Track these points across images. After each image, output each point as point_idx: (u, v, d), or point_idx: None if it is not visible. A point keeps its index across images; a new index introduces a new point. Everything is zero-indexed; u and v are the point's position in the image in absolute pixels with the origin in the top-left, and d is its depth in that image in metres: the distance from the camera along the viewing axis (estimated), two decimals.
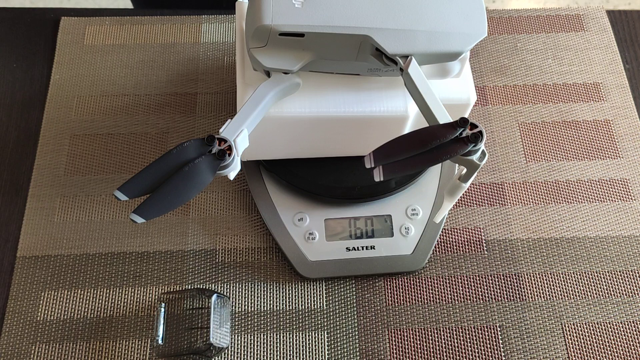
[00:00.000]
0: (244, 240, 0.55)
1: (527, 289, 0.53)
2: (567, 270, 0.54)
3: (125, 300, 0.52)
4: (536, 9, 0.68)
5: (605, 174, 0.59)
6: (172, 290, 0.52)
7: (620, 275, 0.54)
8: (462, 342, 0.51)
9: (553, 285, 0.54)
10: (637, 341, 0.51)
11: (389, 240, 0.54)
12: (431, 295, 0.53)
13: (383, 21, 0.41)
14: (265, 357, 0.50)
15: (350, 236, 0.54)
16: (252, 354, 0.50)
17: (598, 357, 0.51)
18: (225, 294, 0.52)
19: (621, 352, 0.51)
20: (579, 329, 0.52)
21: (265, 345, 0.51)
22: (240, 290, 0.53)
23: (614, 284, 0.54)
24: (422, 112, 0.40)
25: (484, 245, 0.55)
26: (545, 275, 0.54)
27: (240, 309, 0.52)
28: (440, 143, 0.36)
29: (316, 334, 0.51)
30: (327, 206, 0.55)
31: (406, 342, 0.51)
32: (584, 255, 0.55)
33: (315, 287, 0.53)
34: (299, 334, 0.51)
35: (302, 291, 0.53)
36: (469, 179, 0.40)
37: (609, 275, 0.54)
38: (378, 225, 0.54)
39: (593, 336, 0.52)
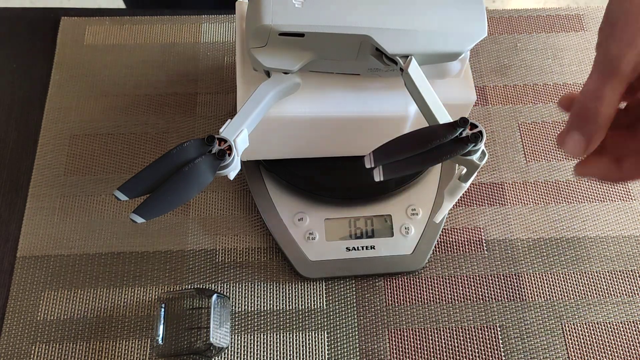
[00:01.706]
0: (244, 240, 0.55)
1: (527, 289, 0.53)
2: (567, 270, 0.54)
3: (125, 300, 0.52)
4: (536, 9, 0.68)
5: None
6: (172, 290, 0.52)
7: (620, 275, 0.54)
8: (462, 342, 0.51)
9: (553, 285, 0.54)
10: (637, 341, 0.51)
11: (389, 240, 0.54)
12: (431, 295, 0.53)
13: (383, 21, 0.41)
14: (265, 357, 0.50)
15: (350, 236, 0.54)
16: (252, 354, 0.50)
17: (598, 357, 0.51)
18: (225, 294, 0.52)
19: (621, 352, 0.51)
20: (579, 329, 0.52)
21: (265, 345, 0.51)
22: (240, 290, 0.53)
23: (614, 284, 0.54)
24: (422, 112, 0.40)
25: (484, 245, 0.55)
26: (545, 275, 0.54)
27: (240, 309, 0.52)
28: (440, 143, 0.36)
29: (316, 334, 0.51)
30: (327, 206, 0.55)
31: (406, 342, 0.51)
32: (584, 255, 0.55)
33: (315, 287, 0.53)
34: (299, 334, 0.51)
35: (302, 291, 0.53)
36: (469, 179, 0.40)
37: (609, 275, 0.54)
38: (378, 225, 0.54)
39: (593, 336, 0.52)
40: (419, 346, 0.51)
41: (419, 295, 0.53)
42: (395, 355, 0.51)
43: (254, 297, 0.53)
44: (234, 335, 0.51)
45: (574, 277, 0.54)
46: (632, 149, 0.38)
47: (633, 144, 0.39)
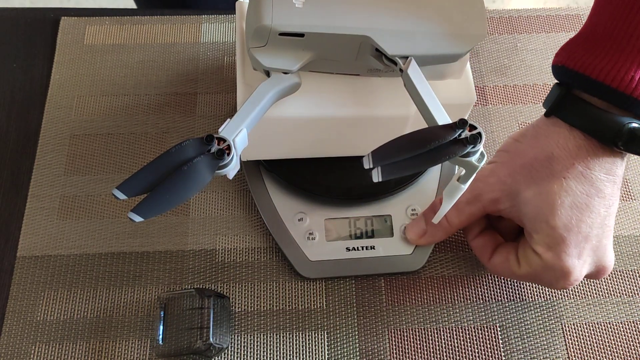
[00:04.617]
0: (244, 240, 0.55)
1: (527, 289, 0.53)
2: None
3: (125, 300, 0.52)
4: (536, 9, 0.68)
5: None
6: (172, 290, 0.52)
7: (620, 275, 0.54)
8: (462, 342, 0.51)
9: None
10: (637, 341, 0.51)
11: (389, 240, 0.54)
12: (431, 295, 0.53)
13: (383, 22, 0.41)
14: (265, 357, 0.50)
15: (350, 236, 0.54)
16: (252, 354, 0.50)
17: (598, 357, 0.51)
18: (225, 294, 0.52)
19: (621, 352, 0.51)
20: (579, 329, 0.52)
21: (265, 345, 0.51)
22: (240, 290, 0.53)
23: (614, 284, 0.54)
24: (421, 113, 0.40)
25: None
26: None
27: (240, 309, 0.52)
28: (439, 144, 0.36)
29: (316, 334, 0.51)
30: (327, 206, 0.55)
31: (406, 342, 0.51)
32: None
33: (315, 287, 0.53)
34: (299, 334, 0.51)
35: (302, 291, 0.53)
36: (468, 180, 0.40)
37: (609, 275, 0.54)
38: (378, 225, 0.54)
39: (593, 336, 0.52)
40: (419, 346, 0.51)
41: (419, 295, 0.53)
42: (395, 355, 0.51)
43: (254, 297, 0.53)
44: (234, 335, 0.51)
45: None
46: (504, 250, 0.49)
47: (506, 247, 0.49)
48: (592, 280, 0.54)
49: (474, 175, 0.39)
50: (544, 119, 0.45)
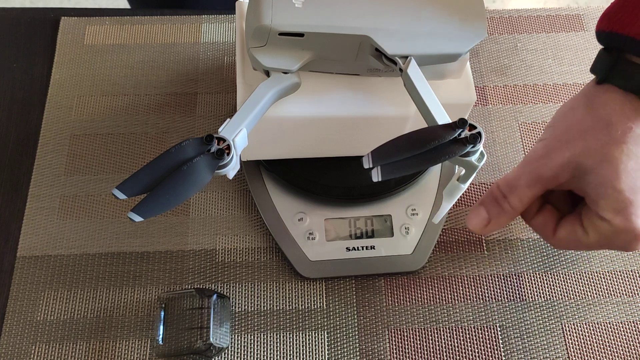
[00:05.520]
0: (244, 240, 0.55)
1: (527, 289, 0.53)
2: (567, 270, 0.54)
3: (125, 300, 0.52)
4: (536, 9, 0.68)
5: None
6: (172, 290, 0.52)
7: (620, 275, 0.54)
8: (462, 342, 0.51)
9: (553, 285, 0.54)
10: (637, 341, 0.51)
11: (389, 240, 0.54)
12: (431, 295, 0.53)
13: (383, 22, 0.41)
14: (265, 357, 0.50)
15: (350, 236, 0.54)
16: (252, 354, 0.50)
17: (598, 357, 0.51)
18: (225, 294, 0.52)
19: (621, 352, 0.51)
20: (579, 329, 0.52)
21: (265, 345, 0.51)
22: (240, 290, 0.53)
23: (614, 284, 0.54)
24: (421, 113, 0.40)
25: (484, 245, 0.55)
26: (545, 275, 0.54)
27: (240, 309, 0.52)
28: (439, 144, 0.36)
29: (316, 334, 0.51)
30: (327, 206, 0.55)
31: (406, 342, 0.51)
32: (584, 255, 0.55)
33: (315, 287, 0.53)
34: (299, 334, 0.51)
35: (302, 291, 0.53)
36: (468, 179, 0.40)
37: (609, 275, 0.54)
38: (378, 225, 0.54)
39: (593, 336, 0.52)
40: (419, 346, 0.51)
41: (419, 295, 0.53)
42: (395, 355, 0.51)
43: (254, 297, 0.53)
44: (234, 335, 0.51)
45: (574, 277, 0.54)
46: (568, 223, 0.46)
47: (569, 220, 0.46)
48: (592, 280, 0.54)
49: (474, 174, 0.39)
50: (594, 87, 0.45)
